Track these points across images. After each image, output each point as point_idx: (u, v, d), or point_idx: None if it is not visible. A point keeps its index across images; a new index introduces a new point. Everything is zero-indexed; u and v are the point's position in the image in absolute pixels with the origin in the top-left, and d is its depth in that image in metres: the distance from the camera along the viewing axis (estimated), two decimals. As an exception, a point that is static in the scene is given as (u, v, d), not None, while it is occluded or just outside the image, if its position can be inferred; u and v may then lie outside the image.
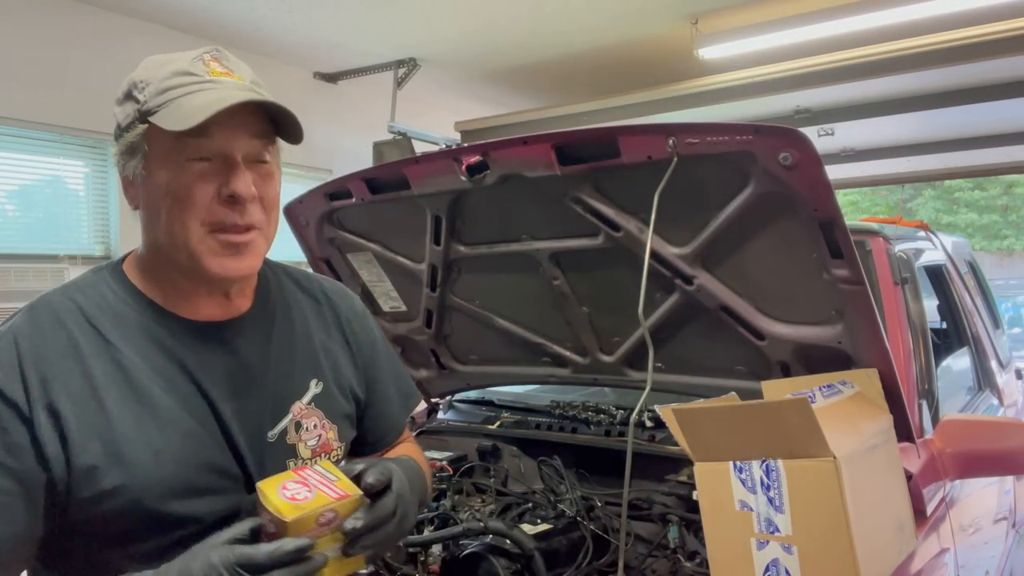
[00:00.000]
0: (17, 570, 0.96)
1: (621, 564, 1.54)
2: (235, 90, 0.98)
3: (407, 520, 1.03)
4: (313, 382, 1.14)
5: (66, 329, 0.97)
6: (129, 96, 1.00)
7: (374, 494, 0.97)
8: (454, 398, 2.48)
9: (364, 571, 0.97)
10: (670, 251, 1.72)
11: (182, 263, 1.00)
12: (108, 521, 0.94)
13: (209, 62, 1.00)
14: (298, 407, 1.11)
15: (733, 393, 1.57)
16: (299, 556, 0.86)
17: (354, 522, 0.93)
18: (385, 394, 1.28)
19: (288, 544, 0.86)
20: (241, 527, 0.90)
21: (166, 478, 0.95)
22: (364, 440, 1.26)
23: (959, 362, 2.74)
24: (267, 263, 1.17)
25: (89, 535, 0.96)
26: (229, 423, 1.03)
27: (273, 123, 1.02)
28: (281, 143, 1.06)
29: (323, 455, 1.13)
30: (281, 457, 1.08)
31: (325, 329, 1.21)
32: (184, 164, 0.96)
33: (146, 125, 0.97)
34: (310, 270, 2.27)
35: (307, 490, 0.91)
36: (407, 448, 1.34)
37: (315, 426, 1.12)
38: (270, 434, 1.07)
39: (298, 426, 1.10)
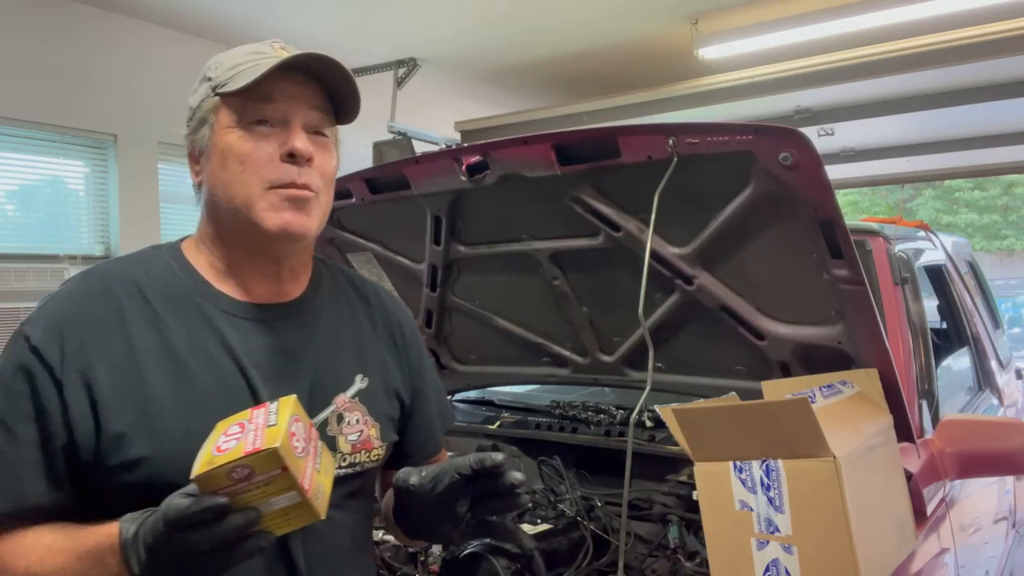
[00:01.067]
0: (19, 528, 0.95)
1: (621, 564, 1.54)
2: (301, 55, 1.02)
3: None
4: (359, 377, 1.13)
5: (114, 297, 1.00)
6: (203, 80, 1.06)
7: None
8: (454, 398, 2.48)
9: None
10: (670, 251, 1.72)
11: (242, 224, 1.02)
12: (130, 494, 0.93)
13: (279, 47, 1.05)
14: (341, 399, 1.10)
15: (733, 393, 1.57)
16: (213, 515, 0.81)
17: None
18: (427, 407, 1.27)
19: (192, 505, 0.81)
20: None
21: (193, 454, 0.93)
22: (405, 451, 1.24)
23: (959, 362, 2.74)
24: (323, 260, 1.21)
25: (110, 510, 0.93)
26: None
27: (333, 107, 1.07)
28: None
29: (363, 451, 1.11)
30: None
31: (374, 329, 1.21)
32: (248, 126, 1.01)
33: (216, 98, 1.03)
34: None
35: (237, 438, 0.83)
36: None
37: (357, 421, 1.11)
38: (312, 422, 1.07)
39: (340, 418, 1.09)
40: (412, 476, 1.04)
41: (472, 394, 2.46)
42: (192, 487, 0.82)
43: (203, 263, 1.08)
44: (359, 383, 1.13)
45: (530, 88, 6.01)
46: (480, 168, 1.75)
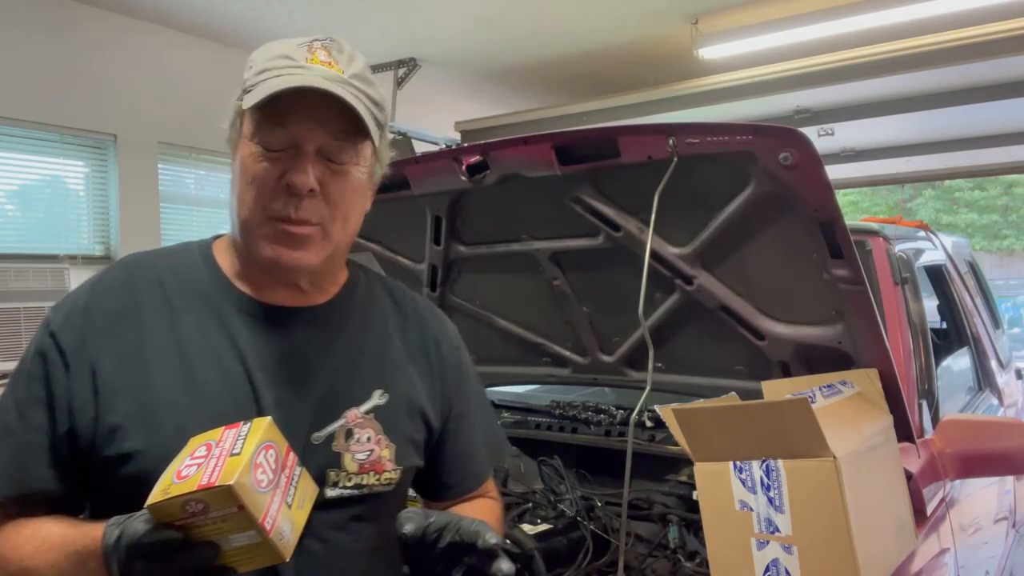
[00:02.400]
0: (15, 513, 0.95)
1: (621, 564, 1.54)
2: (317, 78, 0.95)
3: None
4: (377, 392, 1.05)
5: (134, 288, 1.00)
6: (247, 69, 1.02)
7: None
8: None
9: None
10: (670, 251, 1.72)
11: (244, 240, 1.01)
12: (125, 488, 0.91)
13: (316, 49, 0.99)
14: (353, 414, 1.03)
15: (733, 393, 1.57)
16: (164, 548, 0.78)
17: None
18: (470, 433, 1.18)
19: (144, 536, 0.78)
20: None
21: None
22: (441, 481, 1.17)
23: (959, 362, 2.74)
24: (363, 268, 1.16)
25: (110, 504, 0.92)
26: (267, 411, 0.96)
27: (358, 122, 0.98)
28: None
29: (372, 473, 1.02)
30: (323, 463, 0.99)
31: (406, 344, 1.13)
32: (258, 148, 0.97)
33: (241, 101, 0.99)
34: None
35: (200, 464, 0.78)
36: (479, 508, 1.19)
37: (368, 439, 1.02)
38: (314, 436, 0.99)
39: (349, 434, 1.01)
40: (408, 523, 0.92)
41: (472, 394, 2.45)
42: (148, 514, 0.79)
43: (227, 262, 1.06)
44: (376, 398, 1.05)
45: (530, 88, 6.01)
46: (480, 168, 1.75)
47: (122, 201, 4.28)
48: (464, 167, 1.76)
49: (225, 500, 0.76)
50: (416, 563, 0.95)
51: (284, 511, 0.81)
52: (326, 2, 4.22)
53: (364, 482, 1.02)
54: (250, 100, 0.94)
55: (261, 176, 0.96)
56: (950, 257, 2.94)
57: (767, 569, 1.26)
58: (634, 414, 1.64)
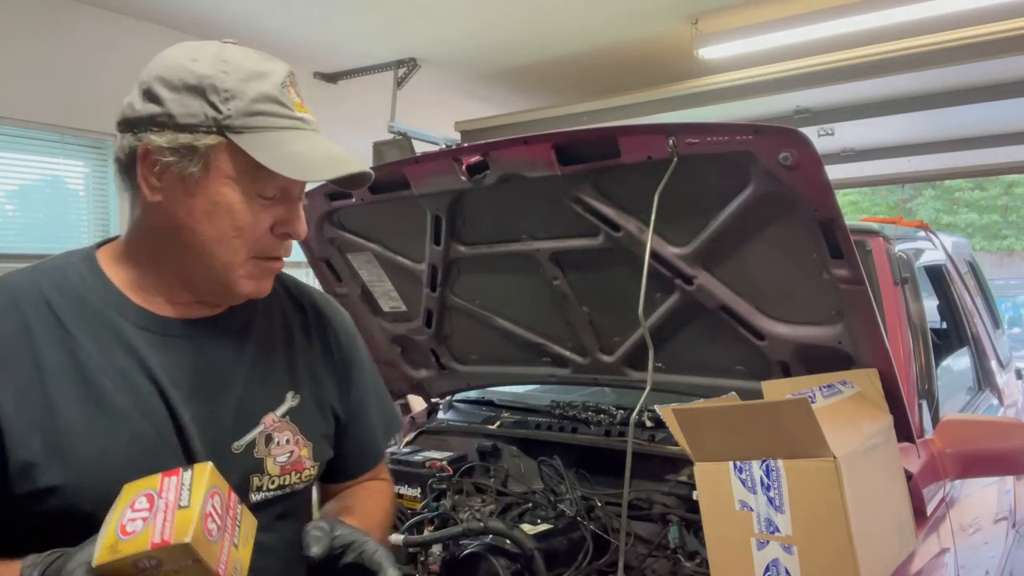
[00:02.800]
0: None
1: (621, 564, 1.54)
2: (322, 138, 0.99)
3: None
4: (290, 394, 1.07)
5: (21, 313, 0.93)
6: (200, 93, 0.93)
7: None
8: (454, 398, 2.48)
9: None
10: (670, 251, 1.72)
11: (209, 280, 0.98)
12: (42, 524, 0.89)
13: (290, 88, 0.99)
14: (271, 419, 1.04)
15: (733, 393, 1.58)
16: None
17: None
18: (368, 418, 1.21)
19: None
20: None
21: (109, 482, 0.86)
22: (341, 465, 1.19)
23: (959, 362, 2.74)
24: None
25: (34, 539, 0.87)
26: (187, 428, 0.96)
27: None
28: None
29: (293, 473, 1.05)
30: (245, 471, 1.00)
31: (308, 341, 1.14)
32: (251, 196, 0.96)
33: (221, 138, 0.93)
34: (309, 270, 2.28)
35: (144, 519, 0.77)
36: (374, 493, 1.23)
37: (287, 441, 1.05)
38: (235, 445, 1.00)
39: (269, 439, 1.03)
40: (315, 545, 0.95)
41: (472, 394, 2.45)
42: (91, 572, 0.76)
43: (120, 274, 1.00)
44: (290, 400, 1.07)
45: (530, 88, 6.01)
46: (480, 168, 1.75)
47: (122, 201, 4.27)
48: (464, 167, 1.76)
49: (180, 556, 0.76)
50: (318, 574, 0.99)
51: (232, 552, 0.82)
52: (326, 2, 4.22)
53: (287, 482, 1.05)
54: (275, 161, 0.93)
55: (254, 225, 0.97)
56: (950, 257, 2.94)
57: (767, 569, 1.26)
58: (634, 414, 1.64)
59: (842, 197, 11.57)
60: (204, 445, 0.97)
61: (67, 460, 0.89)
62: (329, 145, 1.00)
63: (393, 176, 1.90)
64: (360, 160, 1.03)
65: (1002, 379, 3.06)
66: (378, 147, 5.06)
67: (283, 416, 1.06)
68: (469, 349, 2.31)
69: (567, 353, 2.13)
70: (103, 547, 0.76)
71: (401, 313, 2.27)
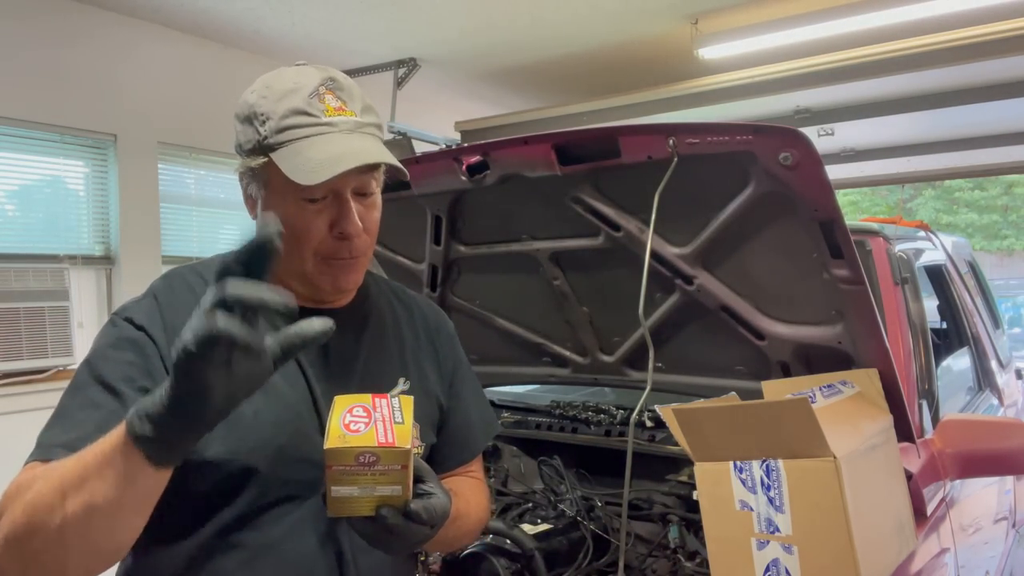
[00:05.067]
0: None
1: (621, 564, 1.55)
2: (350, 137, 1.05)
3: (418, 542, 1.00)
4: (401, 380, 1.18)
5: (194, 293, 1.08)
6: (250, 122, 1.06)
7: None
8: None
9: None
10: (670, 251, 1.72)
11: (297, 279, 1.10)
12: (204, 474, 1.00)
13: (324, 96, 1.06)
14: None
15: (733, 393, 1.57)
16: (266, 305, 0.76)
17: (392, 514, 0.92)
18: (466, 412, 1.31)
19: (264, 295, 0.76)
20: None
21: (263, 438, 1.02)
22: (439, 454, 1.27)
23: (959, 362, 2.74)
24: (369, 272, 1.26)
25: (187, 492, 0.99)
26: (319, 401, 1.08)
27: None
28: None
29: None
30: None
31: (415, 336, 1.27)
32: (300, 203, 1.05)
33: (266, 158, 1.04)
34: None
35: (366, 423, 0.91)
36: (475, 485, 1.31)
37: None
38: None
39: None
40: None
41: (472, 394, 2.45)
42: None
43: None
44: (401, 385, 1.17)
45: (530, 88, 6.01)
46: (480, 168, 1.75)
47: (122, 201, 4.28)
48: (464, 167, 1.76)
49: (394, 458, 0.90)
50: None
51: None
52: (326, 2, 4.22)
53: None
54: (294, 170, 1.00)
55: (309, 230, 1.06)
56: (950, 257, 2.94)
57: (767, 569, 1.26)
58: (634, 414, 1.64)
59: (842, 197, 11.57)
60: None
61: (231, 415, 0.96)
62: (346, 142, 1.04)
63: (393, 176, 1.89)
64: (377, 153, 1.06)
65: (1002, 379, 3.06)
66: (378, 147, 5.05)
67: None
68: (469, 349, 2.28)
69: (567, 353, 2.13)
70: (333, 436, 0.89)
71: (401, 313, 2.27)
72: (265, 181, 1.07)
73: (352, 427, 0.90)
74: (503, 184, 1.75)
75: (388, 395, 0.97)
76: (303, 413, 1.08)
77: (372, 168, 1.08)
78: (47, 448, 0.95)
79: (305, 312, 1.07)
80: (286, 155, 1.02)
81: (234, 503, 1.03)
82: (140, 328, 1.04)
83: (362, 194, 1.10)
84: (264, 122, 1.04)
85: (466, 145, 2.27)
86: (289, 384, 1.08)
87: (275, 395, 1.05)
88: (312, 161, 1.01)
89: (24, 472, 0.94)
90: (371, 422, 0.91)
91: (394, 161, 1.07)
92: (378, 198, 1.15)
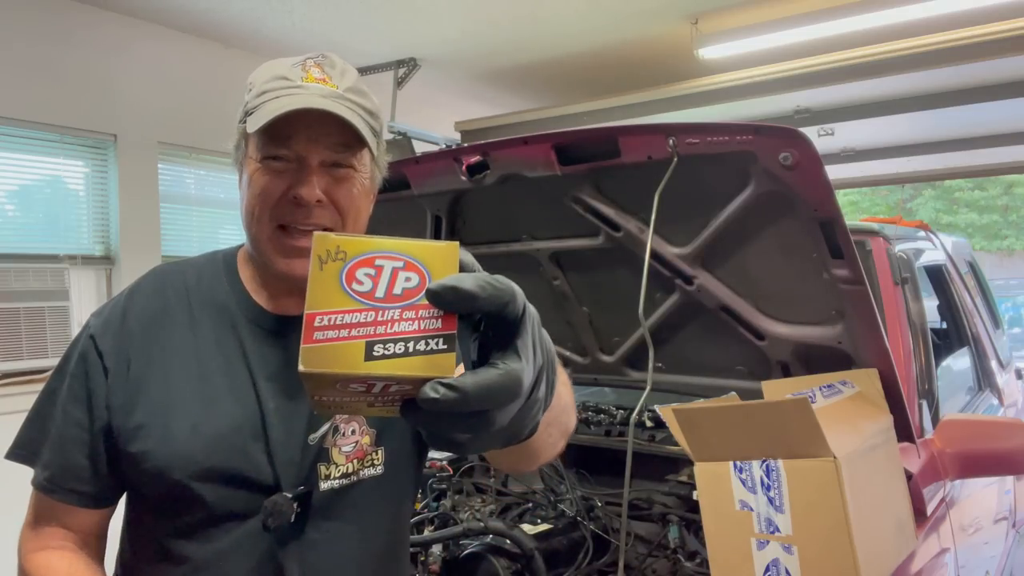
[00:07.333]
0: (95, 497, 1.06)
1: (621, 564, 1.54)
2: (316, 97, 1.01)
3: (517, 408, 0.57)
4: None
5: (164, 297, 1.09)
6: (246, 91, 1.07)
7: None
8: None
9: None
10: (670, 251, 1.72)
11: (258, 253, 1.07)
12: (146, 485, 1.01)
13: (310, 67, 1.05)
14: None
15: (733, 393, 1.58)
16: None
17: (431, 391, 0.51)
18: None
19: None
20: None
21: (195, 452, 1.00)
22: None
23: (959, 362, 2.74)
24: None
25: (142, 500, 1.04)
26: (268, 417, 1.05)
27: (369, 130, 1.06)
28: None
29: (356, 460, 1.11)
30: (315, 460, 1.08)
31: None
32: (264, 161, 1.03)
33: (243, 124, 1.05)
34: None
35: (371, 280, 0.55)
36: None
37: (353, 432, 1.12)
38: (311, 437, 1.08)
39: (336, 431, 1.10)
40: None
41: (472, 394, 2.45)
42: None
43: (247, 276, 1.12)
44: None
45: (530, 88, 6.01)
46: (480, 168, 1.75)
47: (122, 201, 4.27)
48: (464, 167, 1.76)
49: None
50: None
51: None
52: (326, 2, 4.22)
53: (351, 470, 1.11)
54: (253, 123, 1.00)
55: (268, 188, 1.02)
56: (950, 257, 2.94)
57: (767, 569, 1.26)
58: (634, 414, 1.64)
59: (842, 197, 11.57)
60: (281, 434, 1.05)
61: (166, 426, 1.01)
62: (310, 100, 0.99)
63: (393, 176, 1.90)
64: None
65: (1002, 379, 3.06)
66: (378, 147, 5.05)
67: None
68: (469, 349, 2.31)
69: (567, 353, 2.12)
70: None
71: (401, 313, 2.27)
72: (243, 149, 1.06)
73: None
74: (503, 184, 1.75)
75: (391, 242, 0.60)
76: (244, 429, 1.03)
77: (347, 143, 1.03)
78: (31, 456, 1.07)
79: (272, 319, 1.09)
80: (255, 116, 1.01)
81: (179, 514, 1.02)
82: (91, 338, 1.05)
83: (333, 165, 1.04)
84: (249, 89, 1.05)
85: (466, 145, 2.27)
86: (236, 398, 1.04)
87: (219, 410, 1.02)
88: (266, 111, 0.99)
89: (32, 511, 1.08)
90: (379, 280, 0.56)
91: (357, 124, 1.01)
92: (359, 177, 1.07)
